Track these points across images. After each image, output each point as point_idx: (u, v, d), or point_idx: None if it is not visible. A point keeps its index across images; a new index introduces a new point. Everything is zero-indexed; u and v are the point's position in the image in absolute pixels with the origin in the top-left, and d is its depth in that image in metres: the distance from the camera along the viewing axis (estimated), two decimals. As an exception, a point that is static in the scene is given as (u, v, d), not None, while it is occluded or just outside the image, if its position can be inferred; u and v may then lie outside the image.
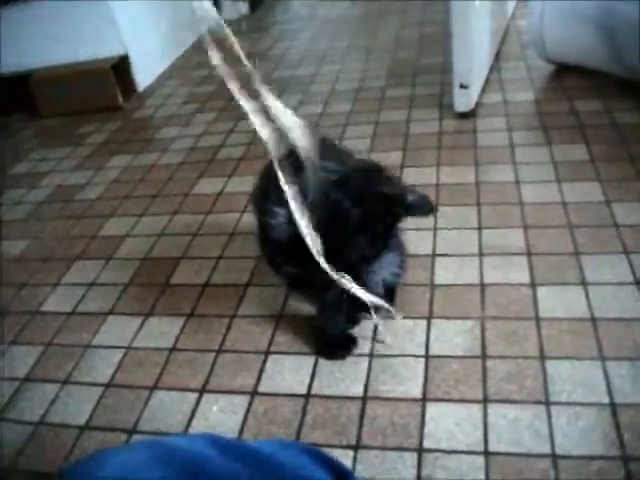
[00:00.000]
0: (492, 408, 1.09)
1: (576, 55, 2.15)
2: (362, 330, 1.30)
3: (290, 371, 1.24)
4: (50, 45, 2.71)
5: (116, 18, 2.67)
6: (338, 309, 1.22)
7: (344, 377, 1.21)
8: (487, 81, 2.27)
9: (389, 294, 1.30)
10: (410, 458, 1.04)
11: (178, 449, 0.55)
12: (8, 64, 2.73)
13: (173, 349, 1.35)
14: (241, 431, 1.13)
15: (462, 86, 2.02)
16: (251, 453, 0.57)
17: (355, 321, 1.31)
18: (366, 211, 1.02)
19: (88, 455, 0.58)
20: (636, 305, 1.25)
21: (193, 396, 1.23)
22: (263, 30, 3.44)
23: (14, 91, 2.77)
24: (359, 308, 1.26)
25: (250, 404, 1.19)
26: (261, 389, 1.21)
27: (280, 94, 2.50)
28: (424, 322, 1.29)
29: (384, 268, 1.21)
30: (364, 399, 1.16)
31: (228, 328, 1.37)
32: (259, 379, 1.23)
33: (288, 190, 1.02)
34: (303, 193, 1.03)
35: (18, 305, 1.57)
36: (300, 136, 1.05)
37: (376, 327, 1.29)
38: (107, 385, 1.29)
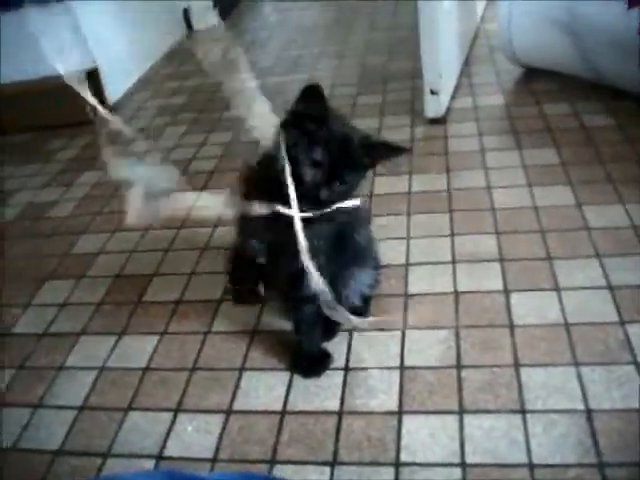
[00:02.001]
0: (468, 419, 1.09)
1: (544, 58, 2.16)
2: (337, 343, 1.29)
3: (265, 387, 1.23)
4: (16, 59, 2.67)
5: (85, 31, 2.64)
6: (314, 324, 1.21)
7: (319, 392, 1.20)
8: (457, 86, 2.27)
9: (364, 305, 1.31)
10: (387, 472, 1.03)
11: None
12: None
13: (147, 368, 1.33)
14: (217, 451, 1.12)
15: (432, 92, 2.02)
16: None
17: (332, 332, 1.30)
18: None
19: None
20: (609, 309, 1.26)
21: (168, 416, 1.21)
22: (233, 39, 3.42)
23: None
24: (335, 320, 1.28)
25: (225, 423, 1.17)
26: (236, 407, 1.20)
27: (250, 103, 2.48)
28: (398, 333, 1.29)
29: (360, 281, 1.22)
30: (340, 413, 1.15)
31: (202, 345, 1.36)
32: (234, 397, 1.22)
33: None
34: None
35: (-12, 327, 1.55)
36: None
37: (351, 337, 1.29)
38: (81, 408, 1.27)
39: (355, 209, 1.12)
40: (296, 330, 1.24)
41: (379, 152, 1.08)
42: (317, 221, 1.05)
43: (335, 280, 1.14)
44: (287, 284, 1.14)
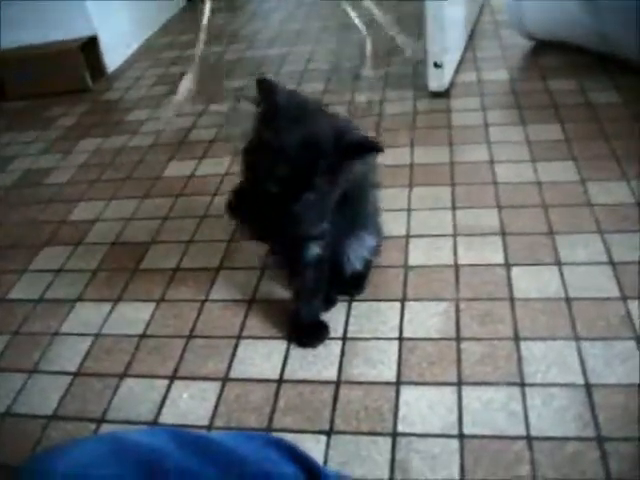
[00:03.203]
0: (466, 390, 1.08)
1: (555, 29, 2.13)
2: (335, 313, 1.28)
3: (262, 356, 1.22)
4: (17, 26, 2.65)
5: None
6: (315, 292, 1.20)
7: (317, 361, 1.19)
8: (462, 60, 2.25)
9: (363, 273, 1.30)
10: (384, 442, 1.02)
11: (136, 444, 0.52)
12: (-27, 46, 2.66)
13: (143, 336, 1.32)
14: (212, 418, 1.11)
15: (436, 65, 1.99)
16: (212, 447, 0.55)
17: (332, 302, 1.30)
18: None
19: (45, 450, 0.56)
20: (610, 284, 1.25)
21: (163, 383, 1.20)
22: (235, 10, 3.39)
23: (-21, 73, 2.70)
24: (335, 288, 1.27)
25: (221, 390, 1.16)
26: (232, 375, 1.19)
27: (252, 74, 2.46)
28: (398, 304, 1.28)
29: (363, 245, 1.21)
30: (337, 383, 1.14)
31: (199, 313, 1.35)
32: (230, 365, 1.21)
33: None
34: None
35: (-17, 293, 1.53)
36: None
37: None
38: (75, 374, 1.26)
39: (364, 173, 1.09)
40: (296, 297, 1.23)
41: (351, 152, 0.98)
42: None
43: (339, 241, 1.14)
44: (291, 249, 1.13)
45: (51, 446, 1.11)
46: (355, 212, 1.14)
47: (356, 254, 1.21)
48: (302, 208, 0.96)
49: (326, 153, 0.94)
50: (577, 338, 1.14)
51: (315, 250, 1.12)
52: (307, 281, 1.19)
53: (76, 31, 2.66)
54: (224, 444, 0.58)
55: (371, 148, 0.97)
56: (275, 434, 1.06)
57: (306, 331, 1.25)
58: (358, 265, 1.23)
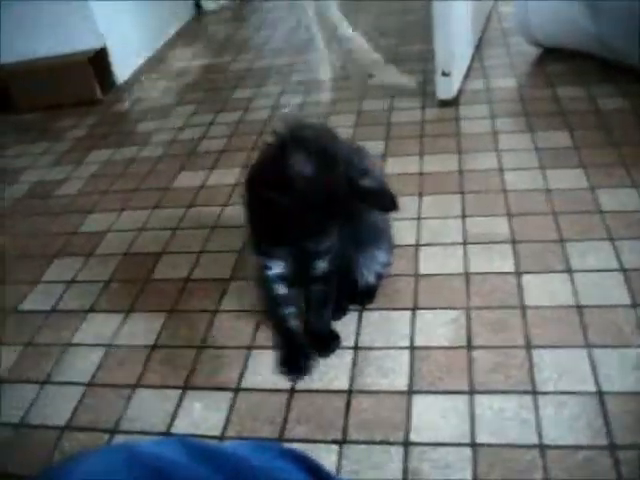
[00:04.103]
0: (478, 399, 1.08)
1: (562, 36, 2.13)
2: (346, 322, 1.29)
3: (273, 366, 1.22)
4: (27, 38, 2.66)
5: (94, 11, 2.63)
6: (324, 305, 1.21)
7: (328, 371, 1.19)
8: (469, 68, 2.25)
9: (374, 286, 1.31)
10: (396, 452, 1.02)
11: (148, 454, 0.53)
12: (-17, 58, 2.68)
13: (155, 346, 1.32)
14: (225, 428, 1.11)
15: (444, 73, 2.00)
16: (224, 457, 0.55)
17: (342, 311, 1.30)
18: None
19: (56, 463, 0.56)
20: (621, 292, 1.24)
21: (175, 394, 1.20)
22: (243, 19, 3.41)
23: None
24: (346, 297, 1.28)
25: (233, 400, 1.17)
26: (244, 385, 1.19)
27: (261, 84, 2.47)
28: (409, 313, 1.28)
29: (376, 260, 1.22)
30: (349, 393, 1.14)
31: (210, 324, 1.35)
32: (242, 375, 1.22)
33: None
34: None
35: (-4, 304, 1.55)
36: None
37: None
38: (88, 384, 1.27)
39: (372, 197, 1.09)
40: (306, 309, 1.24)
41: (365, 200, 1.00)
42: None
43: (351, 256, 1.16)
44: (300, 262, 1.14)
45: (64, 457, 1.12)
46: (367, 229, 1.15)
47: (369, 269, 1.22)
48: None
49: (341, 200, 0.96)
50: (589, 346, 1.14)
51: (323, 265, 1.13)
52: (316, 294, 1.20)
53: (85, 43, 2.67)
54: (236, 454, 0.58)
55: (386, 204, 1.00)
56: (287, 444, 1.06)
57: (317, 342, 1.25)
58: (371, 279, 1.24)
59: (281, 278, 1.15)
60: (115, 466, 0.51)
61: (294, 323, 1.21)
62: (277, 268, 1.13)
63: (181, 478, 0.51)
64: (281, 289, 1.17)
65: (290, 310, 1.20)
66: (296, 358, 1.21)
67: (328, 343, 1.25)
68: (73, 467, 0.51)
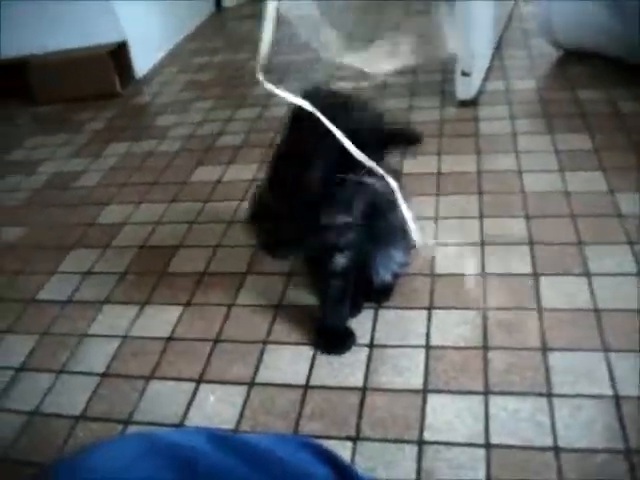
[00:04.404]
0: (493, 400, 1.08)
1: (585, 38, 2.11)
2: (362, 320, 1.28)
3: (288, 361, 1.22)
4: (48, 31, 2.68)
5: (115, 4, 2.64)
6: (341, 302, 1.21)
7: (343, 368, 1.19)
8: (489, 69, 2.24)
9: (390, 285, 1.30)
10: (410, 450, 1.02)
11: (171, 444, 0.53)
12: (5, 50, 2.70)
13: (170, 338, 1.33)
14: (238, 422, 1.12)
15: (464, 73, 1.99)
16: (248, 448, 0.55)
17: (358, 308, 1.30)
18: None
19: (76, 451, 0.56)
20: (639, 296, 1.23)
21: (190, 386, 1.21)
22: (263, 16, 3.40)
23: (11, 78, 2.73)
24: (362, 294, 1.27)
25: (247, 394, 1.17)
26: (259, 379, 1.20)
27: (280, 80, 2.47)
28: (425, 312, 1.27)
29: (393, 259, 1.21)
30: (364, 390, 1.14)
31: (226, 317, 1.35)
32: (257, 369, 1.22)
33: None
34: None
35: (13, 293, 1.55)
36: None
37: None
38: (102, 375, 1.27)
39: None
40: (322, 305, 1.24)
41: (390, 141, 1.02)
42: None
43: (368, 255, 1.15)
44: (317, 257, 1.14)
45: (77, 447, 1.12)
46: (383, 227, 1.14)
47: (385, 268, 1.22)
48: (334, 201, 0.99)
49: (367, 143, 0.95)
50: (605, 349, 1.13)
51: (342, 260, 1.13)
52: (333, 290, 1.19)
53: (106, 37, 2.69)
54: (260, 446, 0.58)
55: (410, 138, 1.02)
56: (301, 439, 1.07)
57: (332, 338, 1.25)
58: (387, 277, 1.24)
59: None
60: (139, 455, 0.51)
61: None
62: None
63: (206, 467, 0.51)
64: None
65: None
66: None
67: (344, 340, 1.24)
68: (94, 456, 0.52)
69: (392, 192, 1.13)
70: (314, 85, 1.06)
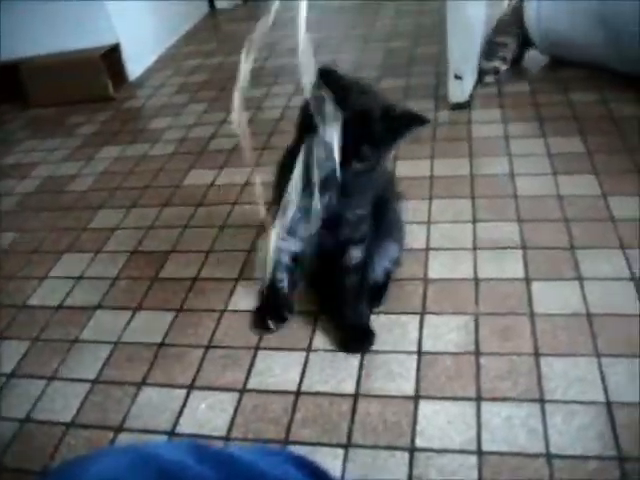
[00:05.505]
0: (486, 406, 1.07)
1: (573, 48, 2.12)
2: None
3: (280, 367, 1.22)
4: (41, 34, 2.67)
5: (107, 7, 2.64)
6: (360, 297, 1.23)
7: (335, 374, 1.19)
8: (481, 71, 2.23)
9: (383, 286, 1.30)
10: (402, 457, 1.02)
11: (155, 457, 0.53)
12: (-3, 53, 2.69)
13: (162, 344, 1.32)
14: (230, 429, 1.11)
15: (457, 77, 1.99)
16: (231, 461, 0.55)
17: (379, 299, 1.30)
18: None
19: (67, 462, 0.56)
20: (632, 301, 1.23)
21: (181, 393, 1.20)
22: (256, 19, 3.40)
23: (3, 81, 2.72)
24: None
25: (239, 401, 1.16)
26: (250, 385, 1.19)
27: (273, 83, 2.47)
28: (417, 317, 1.27)
29: (386, 255, 1.22)
30: (355, 396, 1.13)
31: (218, 323, 1.35)
32: (248, 375, 1.21)
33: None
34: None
35: (4, 299, 1.55)
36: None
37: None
38: (94, 381, 1.27)
39: (388, 183, 1.11)
40: (339, 304, 1.23)
41: (400, 124, 1.04)
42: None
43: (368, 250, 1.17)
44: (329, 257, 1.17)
45: (69, 455, 1.12)
46: (379, 221, 1.15)
47: (379, 263, 1.22)
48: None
49: (376, 124, 1.00)
50: (598, 355, 1.13)
51: (356, 254, 1.15)
52: (350, 287, 1.20)
53: (99, 39, 2.68)
54: (244, 458, 0.58)
55: (417, 120, 1.04)
56: (293, 446, 1.06)
57: (354, 337, 1.24)
58: (380, 274, 1.24)
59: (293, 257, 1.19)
60: (123, 468, 0.51)
61: (284, 287, 1.27)
62: (293, 246, 1.16)
63: None
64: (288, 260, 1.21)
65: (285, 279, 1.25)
66: (277, 307, 1.27)
67: (367, 337, 1.24)
68: (82, 468, 0.51)
69: (391, 183, 1.15)
70: (325, 65, 1.09)
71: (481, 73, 2.08)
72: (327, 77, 1.04)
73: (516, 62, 2.11)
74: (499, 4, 2.59)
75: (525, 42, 2.18)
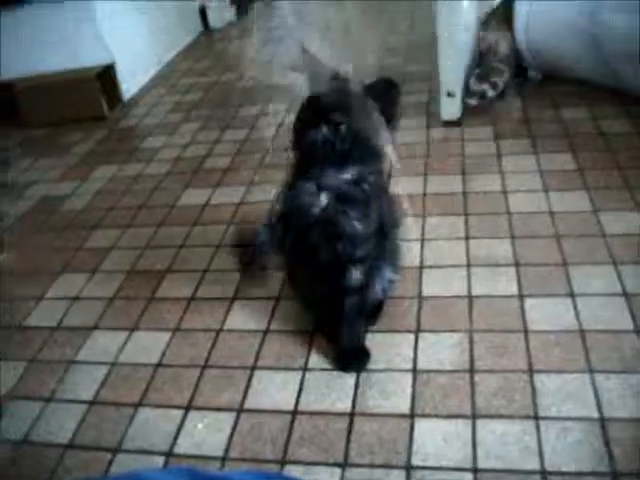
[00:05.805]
0: (481, 423, 1.08)
1: (562, 65, 2.14)
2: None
3: (277, 387, 1.22)
4: (35, 54, 2.69)
5: (102, 27, 2.66)
6: (357, 319, 1.22)
7: (331, 393, 1.19)
8: (474, 89, 2.25)
9: (377, 306, 1.31)
10: (398, 476, 1.02)
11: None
12: (-7, 73, 2.70)
13: (159, 365, 1.33)
14: (227, 449, 1.12)
15: (449, 94, 2.01)
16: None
17: (374, 318, 1.31)
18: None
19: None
20: (624, 316, 1.25)
21: (178, 413, 1.21)
22: (249, 37, 3.43)
23: (-2, 100, 2.74)
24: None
25: (236, 421, 1.17)
26: (247, 405, 1.20)
27: (267, 101, 2.49)
28: (412, 335, 1.28)
29: (385, 276, 1.23)
30: (351, 415, 1.14)
31: (214, 343, 1.35)
32: (245, 395, 1.22)
33: None
34: None
35: (1, 319, 1.55)
36: None
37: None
38: (91, 402, 1.27)
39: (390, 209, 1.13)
40: (340, 324, 1.23)
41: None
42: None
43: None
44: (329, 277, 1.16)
45: (66, 477, 1.12)
46: (380, 242, 1.16)
47: (379, 285, 1.22)
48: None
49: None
50: (591, 371, 1.14)
51: (358, 275, 1.15)
52: (349, 309, 1.19)
53: (93, 59, 2.69)
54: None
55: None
56: (290, 466, 1.07)
57: (348, 357, 1.25)
58: (379, 294, 1.25)
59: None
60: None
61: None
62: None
63: None
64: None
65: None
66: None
67: (361, 358, 1.24)
68: None
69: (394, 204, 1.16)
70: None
71: (467, 93, 2.09)
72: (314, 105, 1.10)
73: (504, 94, 2.10)
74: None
75: (519, 74, 2.21)
